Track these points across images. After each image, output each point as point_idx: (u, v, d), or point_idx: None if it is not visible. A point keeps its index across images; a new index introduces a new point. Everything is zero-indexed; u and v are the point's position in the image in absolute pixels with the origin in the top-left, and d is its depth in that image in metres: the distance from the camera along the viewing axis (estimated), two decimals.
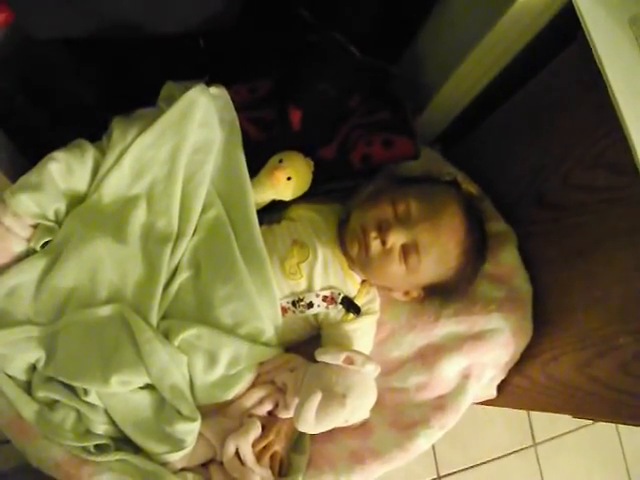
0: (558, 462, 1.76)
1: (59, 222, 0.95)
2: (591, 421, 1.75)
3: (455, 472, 1.63)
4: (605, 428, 1.85)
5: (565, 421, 1.78)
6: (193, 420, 0.88)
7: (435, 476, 1.61)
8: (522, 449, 1.72)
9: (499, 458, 1.69)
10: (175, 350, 0.89)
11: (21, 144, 1.08)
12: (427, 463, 1.62)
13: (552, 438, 1.75)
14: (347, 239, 0.96)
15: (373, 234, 0.91)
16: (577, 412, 1.04)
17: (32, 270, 0.92)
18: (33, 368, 0.91)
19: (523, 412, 1.75)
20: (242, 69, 1.09)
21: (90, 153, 0.95)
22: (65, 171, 0.92)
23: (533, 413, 1.76)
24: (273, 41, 1.08)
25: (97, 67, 1.10)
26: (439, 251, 0.92)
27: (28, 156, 1.04)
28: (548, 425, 1.75)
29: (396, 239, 0.90)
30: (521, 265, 1.03)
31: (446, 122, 1.14)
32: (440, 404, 0.99)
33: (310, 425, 0.85)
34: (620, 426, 1.85)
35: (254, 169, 0.98)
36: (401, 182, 0.99)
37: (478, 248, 0.96)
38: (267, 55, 1.09)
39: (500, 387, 1.07)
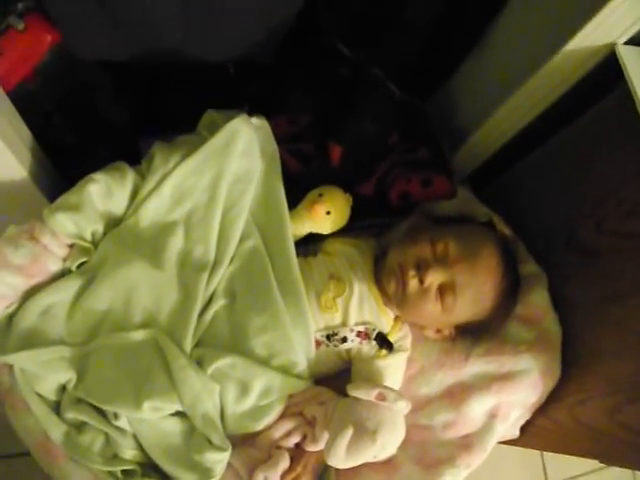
0: None
1: (95, 243, 0.94)
2: (606, 464, 1.71)
3: None
4: (620, 472, 1.81)
5: (579, 463, 1.72)
6: (223, 450, 0.87)
7: None
8: None
9: None
10: (208, 379, 0.88)
11: (57, 160, 1.10)
12: None
13: None
14: (384, 276, 0.96)
15: (411, 272, 0.91)
16: (604, 458, 1.02)
17: (67, 290, 0.92)
18: (63, 389, 0.90)
19: (536, 452, 1.71)
20: (278, 100, 1.11)
21: (130, 176, 0.95)
22: (104, 193, 0.93)
23: (547, 453, 1.73)
24: (308, 75, 1.10)
25: (132, 91, 1.14)
26: (475, 292, 0.92)
27: (63, 175, 1.06)
28: (561, 466, 1.71)
29: (434, 279, 0.90)
30: (551, 307, 1.02)
31: (478, 162, 1.14)
32: (466, 443, 0.98)
33: (340, 460, 0.85)
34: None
35: (292, 201, 0.98)
36: (438, 221, 1.00)
37: (512, 290, 0.96)
38: (303, 88, 1.11)
39: (523, 428, 1.06)
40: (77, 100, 1.11)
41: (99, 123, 1.13)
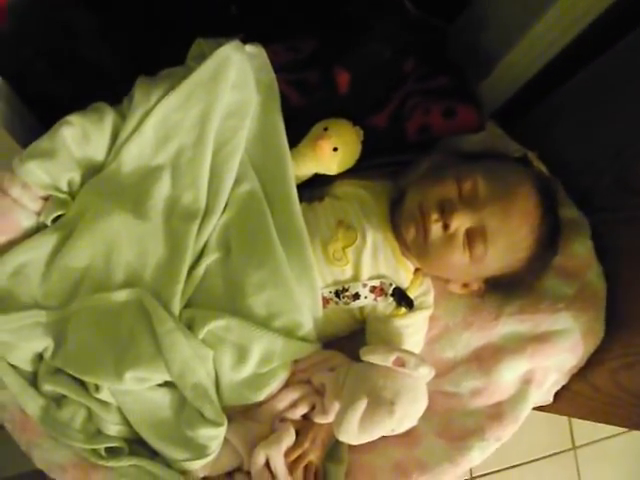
0: (598, 468, 1.70)
1: (73, 194, 0.89)
2: None
3: (489, 473, 1.60)
4: None
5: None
6: (218, 425, 0.81)
7: (468, 477, 1.58)
8: (561, 452, 1.68)
9: (536, 460, 1.65)
10: (199, 344, 0.83)
11: (40, 114, 1.04)
12: None
13: (593, 442, 1.70)
14: (402, 221, 0.87)
15: (434, 216, 0.82)
16: None
17: (41, 247, 0.86)
18: (40, 358, 0.86)
19: None
20: (282, 29, 1.02)
21: (109, 117, 0.88)
22: (80, 137, 0.86)
23: None
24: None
25: (123, 33, 1.06)
26: (509, 239, 0.83)
27: (48, 127, 0.98)
28: (589, 428, 1.69)
29: (461, 223, 0.82)
30: (595, 258, 0.93)
31: (510, 93, 1.03)
32: (497, 412, 0.92)
33: (353, 435, 0.79)
34: None
35: (294, 138, 0.90)
36: (465, 157, 0.91)
37: (551, 238, 0.87)
38: (310, 14, 1.02)
39: (557, 393, 0.99)
40: (60, 44, 1.04)
41: (89, 71, 1.07)
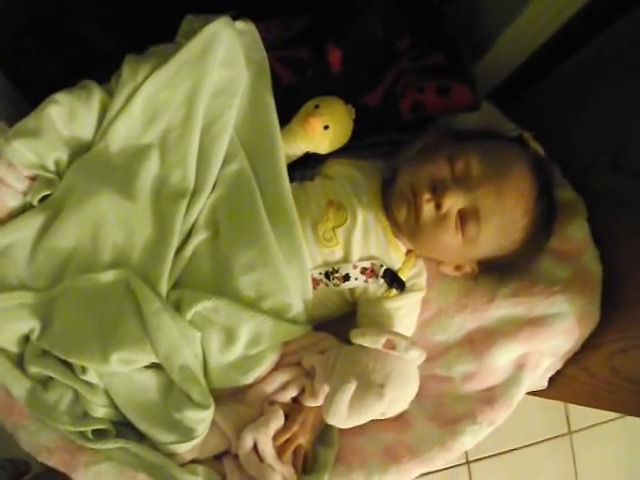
0: (594, 453, 1.68)
1: (60, 174, 0.88)
2: None
3: (485, 457, 1.58)
4: None
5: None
6: (205, 407, 0.80)
7: (464, 461, 1.57)
8: (556, 437, 1.66)
9: (531, 445, 1.63)
10: (187, 325, 0.82)
11: (29, 92, 1.04)
12: None
13: (589, 427, 1.68)
14: (393, 201, 0.85)
15: (426, 196, 0.80)
16: None
17: (28, 228, 0.85)
18: (26, 339, 0.85)
19: None
20: (275, 5, 0.99)
21: (97, 95, 0.87)
22: (67, 115, 0.85)
23: None
24: None
25: (116, 9, 1.04)
26: (503, 220, 0.81)
27: (36, 106, 0.97)
28: (585, 413, 1.67)
29: (453, 203, 0.80)
30: (591, 241, 0.92)
31: (507, 72, 1.01)
32: (489, 397, 0.91)
33: (342, 418, 0.78)
34: None
35: (285, 116, 0.88)
36: (458, 137, 0.89)
37: (546, 219, 0.86)
38: None
39: (551, 378, 0.97)
40: (51, 20, 1.03)
41: (79, 48, 1.06)
